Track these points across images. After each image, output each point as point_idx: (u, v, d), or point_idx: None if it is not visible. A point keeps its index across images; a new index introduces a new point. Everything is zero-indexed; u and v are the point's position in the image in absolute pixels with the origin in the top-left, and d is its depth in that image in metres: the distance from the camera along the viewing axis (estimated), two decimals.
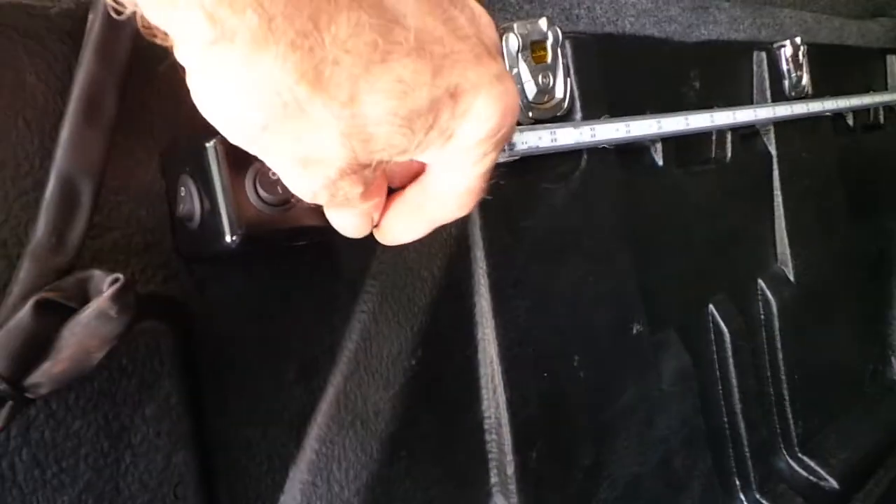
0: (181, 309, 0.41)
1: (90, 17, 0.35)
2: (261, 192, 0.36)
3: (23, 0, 0.36)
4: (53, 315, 0.32)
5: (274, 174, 0.36)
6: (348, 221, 0.31)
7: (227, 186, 0.35)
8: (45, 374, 0.32)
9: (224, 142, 0.35)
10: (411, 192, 0.32)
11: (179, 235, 0.40)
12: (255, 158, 0.36)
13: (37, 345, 0.32)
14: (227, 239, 0.36)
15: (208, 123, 0.42)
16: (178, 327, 0.40)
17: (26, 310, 0.32)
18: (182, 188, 0.38)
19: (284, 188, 0.36)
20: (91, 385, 0.36)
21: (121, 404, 0.37)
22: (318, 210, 0.38)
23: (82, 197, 0.35)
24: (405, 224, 0.32)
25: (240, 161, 0.36)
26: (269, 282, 0.45)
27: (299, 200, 0.37)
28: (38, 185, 0.36)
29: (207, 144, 0.35)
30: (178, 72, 0.41)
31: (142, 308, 0.34)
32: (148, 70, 0.40)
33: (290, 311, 0.47)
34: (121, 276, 0.33)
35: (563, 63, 0.62)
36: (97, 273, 0.34)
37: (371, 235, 0.34)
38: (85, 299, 0.34)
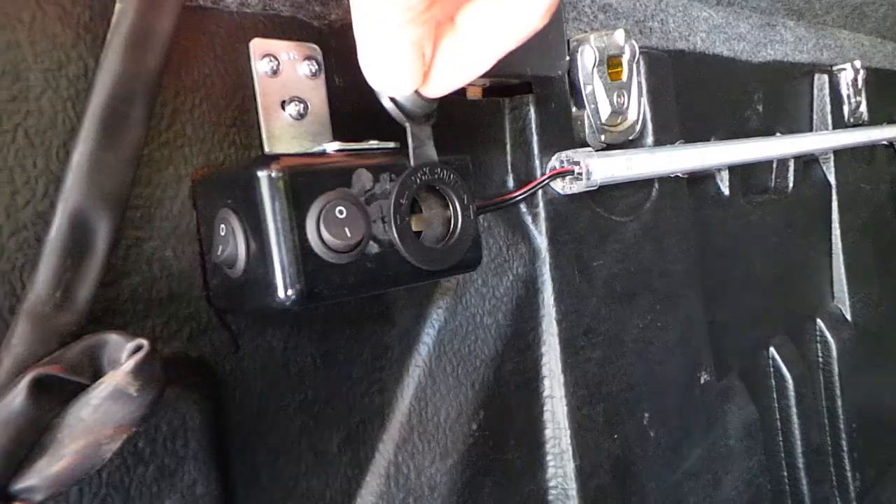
0: (211, 372, 0.33)
1: (117, 7, 0.28)
2: (325, 235, 0.28)
3: None
4: (54, 395, 0.25)
5: (342, 212, 0.29)
6: (401, 51, 0.26)
7: (285, 227, 0.28)
8: (41, 475, 0.24)
9: (283, 170, 0.28)
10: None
11: (213, 282, 0.32)
12: (318, 193, 0.29)
13: (32, 436, 0.24)
14: (282, 294, 0.28)
15: (257, 143, 0.34)
16: (206, 397, 0.32)
17: (20, 389, 0.24)
18: (222, 225, 0.30)
19: (354, 230, 0.29)
20: (98, 477, 0.28)
21: (135, 498, 0.29)
22: (391, 256, 0.31)
23: (97, 237, 0.27)
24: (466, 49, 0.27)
25: (301, 195, 0.28)
26: (312, 334, 0.37)
27: (368, 244, 0.30)
28: (40, 218, 0.28)
29: (260, 173, 0.28)
30: (221, 82, 0.34)
31: (167, 378, 0.26)
32: (182, 73, 0.32)
33: (334, 369, 0.39)
34: (144, 342, 0.25)
35: (636, 81, 0.55)
36: (113, 337, 0.26)
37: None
38: (96, 372, 0.26)
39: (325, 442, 0.38)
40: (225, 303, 0.32)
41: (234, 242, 0.29)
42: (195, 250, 0.33)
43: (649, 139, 0.57)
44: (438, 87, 0.28)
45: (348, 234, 0.29)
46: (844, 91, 0.88)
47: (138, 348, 0.25)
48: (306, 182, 0.29)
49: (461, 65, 0.27)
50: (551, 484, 0.48)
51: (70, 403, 0.25)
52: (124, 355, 0.25)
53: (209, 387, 0.33)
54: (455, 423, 0.43)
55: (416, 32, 0.25)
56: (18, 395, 0.24)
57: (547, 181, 0.47)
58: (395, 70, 0.26)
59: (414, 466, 0.41)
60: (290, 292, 0.28)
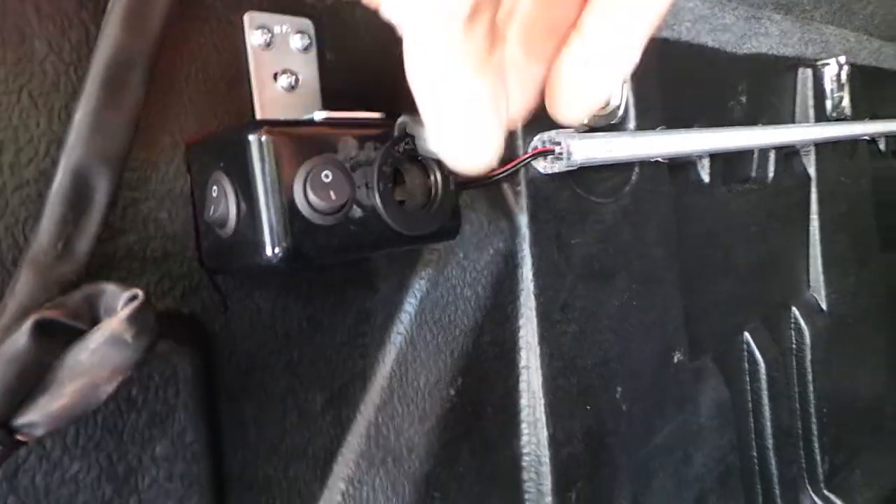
0: (202, 329, 0.35)
1: None
2: (311, 197, 0.30)
3: None
4: (55, 338, 0.26)
5: (327, 176, 0.30)
6: (474, 123, 0.19)
7: (273, 188, 0.29)
8: (42, 412, 0.26)
9: (272, 134, 0.29)
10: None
11: (205, 243, 0.34)
12: (305, 158, 0.31)
13: (34, 375, 0.26)
14: (269, 252, 0.30)
15: (249, 112, 0.35)
16: (197, 351, 0.34)
17: (24, 331, 0.26)
18: (214, 187, 0.32)
19: (338, 194, 0.31)
20: (93, 420, 0.30)
21: (128, 442, 0.31)
22: (373, 220, 0.33)
23: (96, 194, 0.29)
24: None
25: (289, 159, 0.30)
26: (298, 298, 0.39)
27: (352, 208, 0.32)
28: (42, 175, 0.30)
29: (251, 136, 0.30)
30: (216, 52, 0.35)
31: (160, 330, 0.28)
32: (179, 43, 0.34)
33: (319, 332, 0.41)
34: (139, 291, 0.27)
35: None
36: (110, 287, 0.28)
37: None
38: (94, 319, 0.28)
39: (308, 402, 0.40)
40: (216, 263, 0.34)
41: (225, 203, 0.31)
42: (188, 212, 0.34)
43: (631, 124, 0.59)
44: (581, 113, 0.22)
45: (333, 197, 0.31)
46: (828, 86, 0.90)
47: (133, 297, 0.27)
48: (294, 147, 0.30)
49: (602, 76, 0.21)
50: (525, 451, 0.50)
51: (69, 347, 0.27)
52: (120, 304, 0.27)
53: (200, 343, 0.35)
54: (434, 389, 0.45)
55: (486, 85, 0.18)
56: (22, 337, 0.25)
57: (529, 160, 0.49)
58: (472, 149, 0.20)
59: (393, 428, 0.43)
60: (276, 250, 0.30)
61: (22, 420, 0.26)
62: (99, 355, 0.27)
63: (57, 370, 0.26)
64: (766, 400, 0.77)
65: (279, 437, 0.39)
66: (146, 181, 0.33)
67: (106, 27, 0.29)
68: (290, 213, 0.30)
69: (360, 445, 0.42)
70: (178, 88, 0.34)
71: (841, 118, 0.92)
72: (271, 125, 0.30)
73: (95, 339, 0.27)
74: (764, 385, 0.78)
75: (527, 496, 0.51)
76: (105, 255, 0.31)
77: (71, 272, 0.28)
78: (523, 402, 0.50)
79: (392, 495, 0.43)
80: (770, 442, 0.78)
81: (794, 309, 0.85)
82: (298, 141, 0.30)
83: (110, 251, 0.32)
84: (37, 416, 0.26)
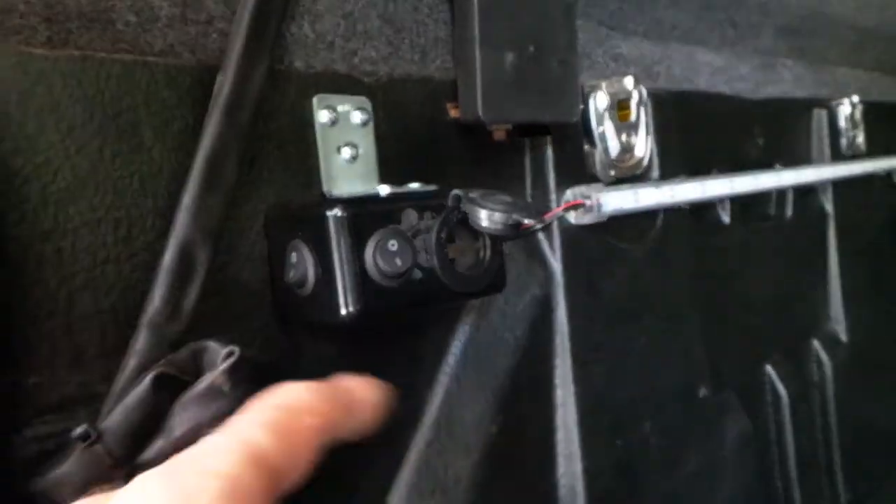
0: (279, 377, 0.39)
1: (219, 78, 0.34)
2: (380, 263, 0.35)
3: (146, 59, 0.35)
4: (169, 390, 0.31)
5: (393, 245, 0.35)
6: None
7: (347, 257, 0.34)
8: (157, 452, 0.30)
9: (346, 210, 0.34)
10: None
11: (282, 300, 0.39)
12: (374, 230, 0.35)
13: (153, 421, 0.30)
14: (344, 311, 0.34)
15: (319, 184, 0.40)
16: None
17: (146, 384, 0.30)
18: (293, 254, 0.36)
19: (403, 260, 0.35)
20: None
21: None
22: (432, 281, 0.37)
23: (198, 264, 0.33)
24: None
25: (360, 231, 0.35)
26: (359, 346, 0.43)
27: (413, 271, 0.36)
28: (149, 247, 0.34)
29: (329, 213, 0.34)
30: (290, 131, 0.40)
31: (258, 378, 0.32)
32: (262, 126, 0.38)
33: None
34: (236, 349, 0.31)
35: (644, 121, 0.61)
36: (212, 345, 0.32)
37: None
38: (198, 373, 0.32)
39: (365, 438, 0.45)
40: (291, 318, 0.38)
41: (304, 267, 0.35)
42: (265, 273, 0.39)
43: (655, 173, 0.63)
44: None
45: (398, 264, 0.35)
46: (842, 124, 0.94)
47: (230, 354, 0.32)
48: (364, 220, 0.35)
49: None
50: (562, 482, 0.54)
51: (179, 397, 0.31)
52: (219, 359, 0.32)
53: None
54: (478, 426, 0.49)
55: None
56: (144, 389, 0.30)
57: (562, 212, 0.53)
58: None
59: (442, 462, 0.47)
60: (351, 310, 0.34)
61: (142, 458, 0.30)
62: (203, 405, 0.31)
63: (169, 417, 0.31)
64: (789, 431, 0.80)
65: (338, 473, 0.43)
66: (232, 247, 0.38)
67: (208, 122, 0.34)
68: (361, 278, 0.34)
69: (412, 478, 0.46)
70: (260, 165, 0.39)
71: (856, 155, 0.96)
72: (345, 202, 0.35)
73: (199, 391, 0.31)
74: (787, 417, 0.80)
75: None
76: (200, 314, 0.36)
77: (178, 331, 0.33)
78: (559, 436, 0.54)
79: None
80: (794, 473, 0.80)
81: (814, 342, 0.88)
82: (368, 215, 0.35)
83: (201, 311, 0.36)
84: (153, 454, 0.30)
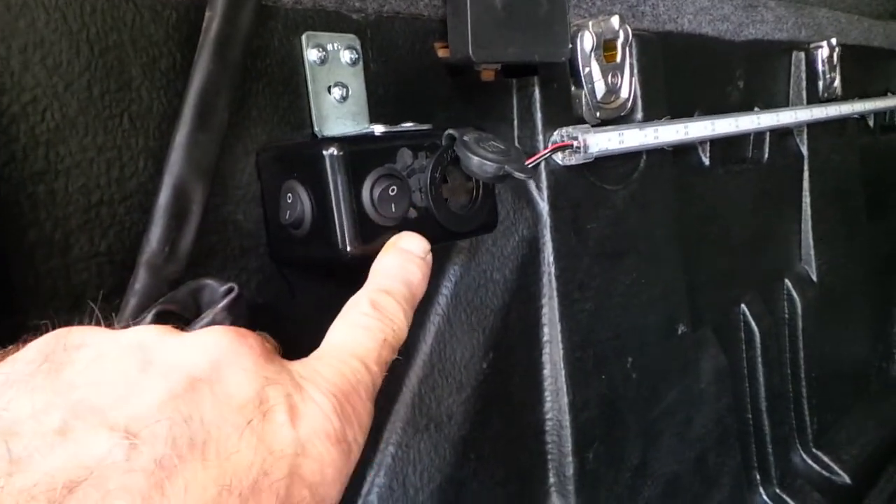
0: (276, 316, 0.39)
1: (207, 14, 0.33)
2: (376, 202, 0.35)
3: None
4: (170, 326, 0.31)
5: (392, 188, 0.35)
6: None
7: (345, 196, 0.34)
8: None
9: (343, 149, 0.34)
10: None
11: (276, 240, 0.39)
12: (370, 168, 0.35)
13: None
14: (342, 249, 0.35)
15: (310, 124, 0.41)
16: (270, 334, 0.39)
17: (148, 321, 0.30)
18: (288, 194, 0.36)
19: (398, 199, 0.35)
20: None
21: None
22: (427, 220, 0.38)
23: (194, 204, 0.33)
24: None
25: (357, 170, 0.35)
26: (352, 285, 0.44)
27: (409, 210, 0.37)
28: (142, 188, 0.34)
29: (325, 152, 0.34)
30: (279, 70, 0.39)
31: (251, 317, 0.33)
32: (250, 65, 0.38)
33: None
34: (234, 286, 0.32)
35: (629, 62, 0.61)
36: (210, 283, 0.32)
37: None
38: (198, 310, 0.32)
39: None
40: (286, 258, 0.39)
41: (300, 208, 0.35)
42: (259, 213, 0.39)
43: (639, 115, 0.63)
44: None
45: (394, 202, 0.35)
46: (820, 67, 0.95)
47: (230, 290, 0.32)
48: (361, 159, 0.35)
49: None
50: (548, 416, 0.56)
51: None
52: (219, 295, 0.32)
53: (272, 327, 0.40)
54: (469, 363, 0.50)
55: None
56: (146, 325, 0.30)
57: (549, 153, 0.53)
58: None
59: (434, 398, 0.49)
60: (349, 248, 0.34)
61: None
62: None
63: None
64: (760, 366, 0.84)
65: None
66: (225, 187, 0.37)
67: (198, 59, 0.33)
68: (359, 215, 0.34)
69: (406, 414, 0.47)
70: (250, 104, 0.38)
71: (832, 98, 0.97)
72: (341, 141, 0.34)
73: (201, 326, 0.31)
74: (759, 352, 0.84)
75: (550, 456, 0.57)
76: (196, 254, 0.36)
77: (176, 271, 0.33)
78: (546, 372, 0.56)
79: (435, 457, 0.48)
80: (764, 405, 0.84)
81: (786, 281, 0.91)
82: (364, 154, 0.35)
83: (196, 250, 0.36)
84: None
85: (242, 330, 0.25)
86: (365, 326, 0.29)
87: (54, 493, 0.17)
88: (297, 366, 0.26)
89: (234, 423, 0.21)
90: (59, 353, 0.21)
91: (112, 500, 0.17)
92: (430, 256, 0.34)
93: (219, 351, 0.23)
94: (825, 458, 0.93)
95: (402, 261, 0.33)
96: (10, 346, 0.23)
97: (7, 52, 0.30)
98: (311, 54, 0.40)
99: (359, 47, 0.43)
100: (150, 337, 0.23)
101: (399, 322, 0.31)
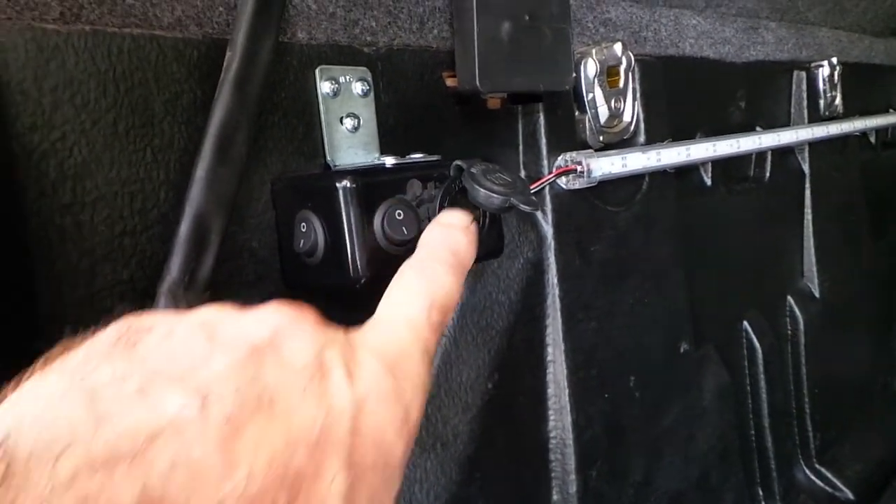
0: None
1: (228, 53, 0.35)
2: (387, 231, 0.36)
3: (154, 33, 0.35)
4: None
5: (400, 214, 0.37)
6: None
7: (357, 226, 0.36)
8: None
9: (356, 182, 0.35)
10: None
11: (290, 267, 0.40)
12: (381, 199, 0.37)
13: None
14: (354, 277, 0.36)
15: (323, 154, 0.42)
16: None
17: None
18: (302, 223, 0.38)
19: (408, 228, 0.37)
20: None
21: None
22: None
23: (213, 234, 0.35)
24: None
25: (369, 201, 0.36)
26: (363, 309, 0.45)
27: (418, 238, 0.38)
28: (163, 218, 0.36)
29: (339, 185, 0.36)
30: (293, 102, 0.41)
31: None
32: (267, 98, 0.39)
33: None
34: None
35: (632, 87, 0.62)
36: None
37: None
38: None
39: None
40: (299, 285, 0.40)
41: (314, 237, 0.37)
42: (274, 241, 0.40)
43: (641, 138, 0.65)
44: None
45: (405, 232, 0.37)
46: (821, 86, 0.96)
47: None
48: (372, 191, 0.36)
49: None
50: (552, 434, 0.57)
51: None
52: None
53: None
54: (474, 383, 0.51)
55: None
56: None
57: (554, 178, 0.55)
58: None
59: (441, 417, 0.50)
60: (360, 276, 0.36)
61: None
62: None
63: None
64: (763, 383, 0.84)
65: None
66: (241, 216, 0.39)
67: (219, 96, 0.34)
68: (370, 244, 0.36)
69: None
70: (266, 136, 0.40)
71: (833, 116, 0.98)
72: (353, 174, 0.36)
73: None
74: (761, 369, 0.84)
75: (553, 474, 0.58)
76: (213, 282, 0.37)
77: (195, 299, 0.34)
78: (550, 391, 0.57)
79: (441, 475, 0.49)
80: (767, 421, 0.85)
81: (789, 297, 0.92)
82: (376, 186, 0.36)
83: (216, 277, 0.38)
84: None
85: (298, 303, 0.27)
86: (412, 291, 0.31)
87: (137, 443, 0.19)
88: (352, 333, 0.27)
89: (296, 383, 0.23)
90: (133, 333, 0.23)
91: (189, 448, 0.19)
92: (474, 226, 0.35)
93: (278, 322, 0.25)
94: (828, 474, 0.93)
95: (445, 231, 0.34)
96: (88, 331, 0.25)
97: (38, 92, 0.31)
98: (325, 87, 0.42)
99: (370, 79, 0.44)
100: (214, 315, 0.25)
101: (447, 285, 0.32)
